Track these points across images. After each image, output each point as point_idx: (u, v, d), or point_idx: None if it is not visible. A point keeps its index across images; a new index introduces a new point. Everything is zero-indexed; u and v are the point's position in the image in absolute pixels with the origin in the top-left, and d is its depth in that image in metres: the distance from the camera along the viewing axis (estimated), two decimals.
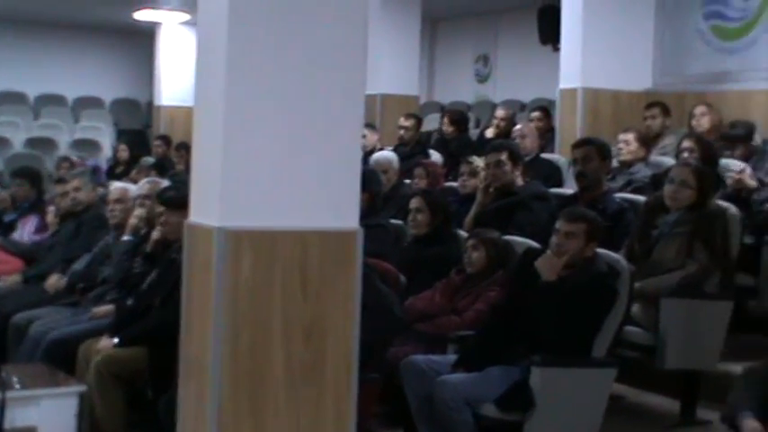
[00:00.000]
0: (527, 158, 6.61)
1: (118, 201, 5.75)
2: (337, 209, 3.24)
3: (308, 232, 3.17)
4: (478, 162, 6.00)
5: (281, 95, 3.12)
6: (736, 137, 6.38)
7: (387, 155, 6.91)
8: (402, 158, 7.22)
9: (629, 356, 4.75)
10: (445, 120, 8.61)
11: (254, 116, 3.09)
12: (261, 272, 3.09)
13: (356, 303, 3.24)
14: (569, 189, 6.01)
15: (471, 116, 10.75)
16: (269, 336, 3.10)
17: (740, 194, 5.57)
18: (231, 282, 3.06)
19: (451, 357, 4.28)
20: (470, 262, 4.69)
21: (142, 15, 12.86)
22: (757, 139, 6.60)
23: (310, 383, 3.14)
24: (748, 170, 5.83)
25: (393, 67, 9.83)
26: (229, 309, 3.06)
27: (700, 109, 7.03)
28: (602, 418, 4.11)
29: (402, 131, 8.21)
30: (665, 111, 7.28)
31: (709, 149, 6.09)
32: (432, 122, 10.38)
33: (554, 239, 4.25)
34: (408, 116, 8.37)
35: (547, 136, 8.19)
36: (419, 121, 8.51)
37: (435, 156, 7.91)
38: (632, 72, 8.08)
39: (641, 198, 5.47)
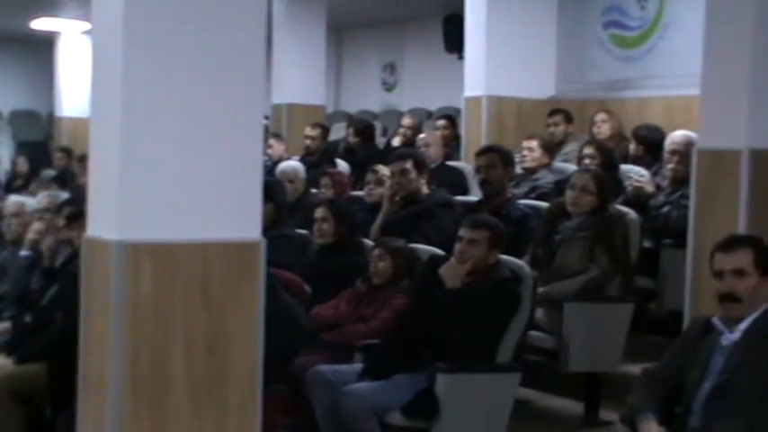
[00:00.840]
0: (433, 166, 6.69)
1: (14, 215, 5.63)
2: (239, 220, 3.22)
3: (209, 244, 3.15)
4: (384, 171, 6.05)
5: (179, 105, 3.10)
6: (653, 141, 6.54)
7: (293, 165, 6.91)
8: (309, 168, 7.23)
9: (533, 360, 4.83)
10: (351, 131, 8.66)
11: (152, 126, 3.07)
12: (161, 285, 3.06)
13: (260, 315, 3.23)
14: (475, 196, 6.09)
15: (379, 125, 10.80)
16: (170, 350, 3.07)
17: (639, 200, 5.72)
18: (131, 296, 3.02)
19: (358, 366, 4.30)
20: (377, 272, 4.72)
21: (40, 24, 12.59)
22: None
23: (213, 397, 3.12)
24: (648, 176, 6.00)
25: (299, 77, 9.81)
26: (129, 323, 3.02)
27: (600, 116, 7.19)
28: (508, 422, 4.17)
29: (308, 141, 8.22)
30: (568, 118, 7.44)
31: (609, 156, 6.24)
32: (339, 131, 10.39)
33: (457, 247, 4.31)
34: (314, 126, 8.38)
35: (453, 144, 8.29)
36: (325, 130, 8.53)
37: (342, 165, 7.93)
38: (535, 80, 8.23)
39: (545, 204, 5.58)
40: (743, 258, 3.37)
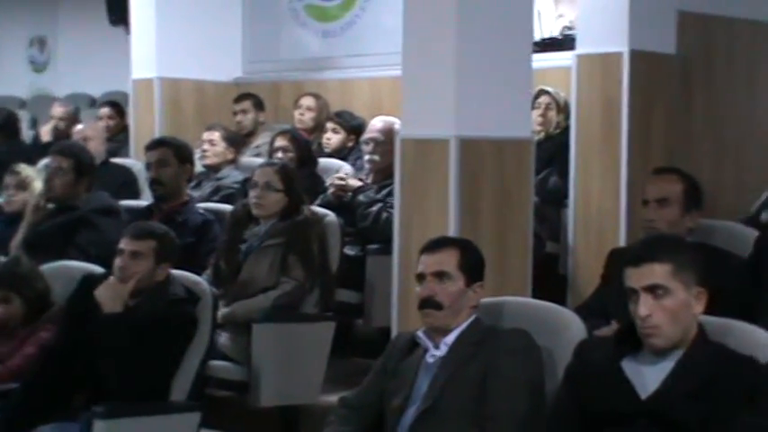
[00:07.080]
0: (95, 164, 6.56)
1: None
2: None
3: None
4: (29, 172, 5.92)
5: None
6: (352, 128, 6.79)
7: None
8: None
9: (218, 396, 4.86)
10: None
11: None
12: None
13: None
14: (147, 200, 6.04)
15: (26, 114, 10.49)
16: None
17: (342, 199, 5.87)
18: None
19: None
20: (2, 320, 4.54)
21: None
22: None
23: None
24: (347, 169, 6.19)
25: None
26: None
27: (307, 100, 7.32)
28: None
29: None
30: (258, 104, 7.54)
31: (306, 148, 6.38)
32: None
33: (118, 262, 4.26)
34: None
35: (120, 137, 8.20)
36: None
37: None
38: (218, 59, 8.23)
39: (231, 207, 5.61)
40: (446, 260, 3.54)
